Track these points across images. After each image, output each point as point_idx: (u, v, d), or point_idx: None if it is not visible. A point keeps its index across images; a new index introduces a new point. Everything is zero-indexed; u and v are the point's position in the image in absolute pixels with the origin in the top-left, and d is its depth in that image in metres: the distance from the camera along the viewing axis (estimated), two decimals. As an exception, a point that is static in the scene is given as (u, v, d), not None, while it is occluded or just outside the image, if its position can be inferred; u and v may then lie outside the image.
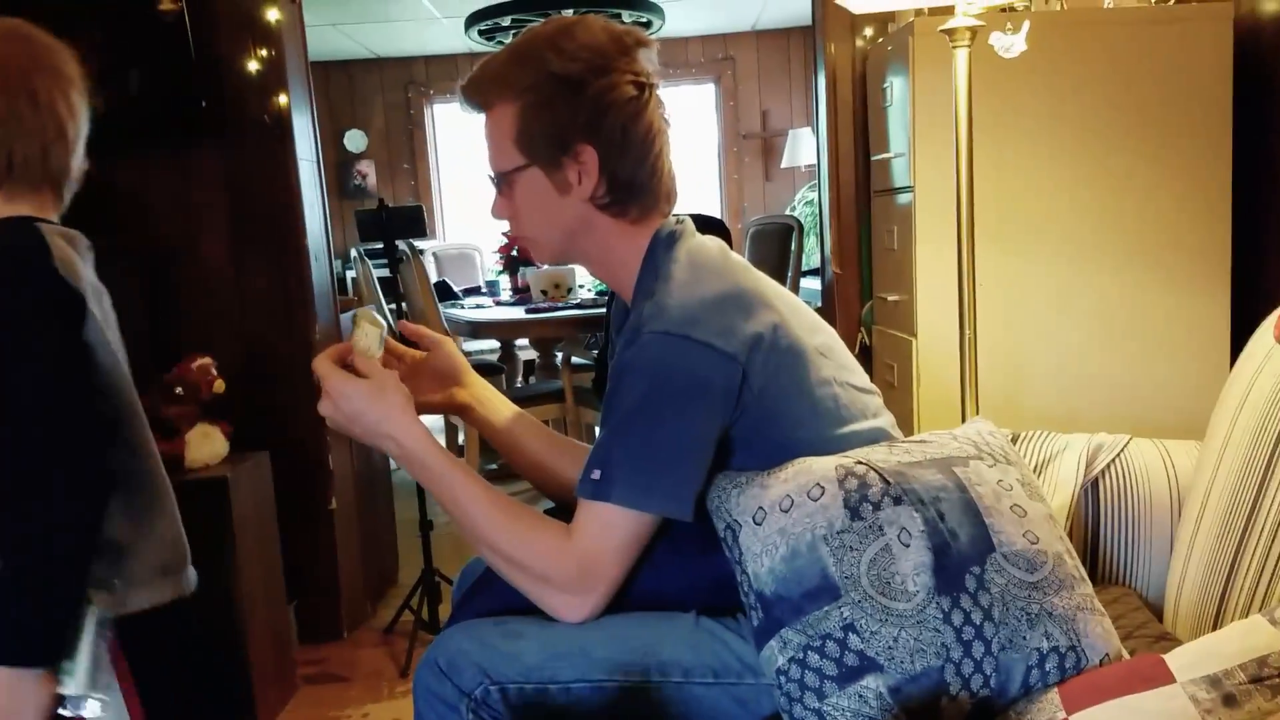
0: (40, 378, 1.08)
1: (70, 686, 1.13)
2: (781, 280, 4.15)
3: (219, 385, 2.32)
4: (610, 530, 1.15)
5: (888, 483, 1.10)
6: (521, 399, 3.94)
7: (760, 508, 1.12)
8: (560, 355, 4.34)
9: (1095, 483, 1.47)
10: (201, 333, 2.56)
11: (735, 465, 1.20)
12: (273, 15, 2.49)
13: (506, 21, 5.32)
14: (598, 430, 1.26)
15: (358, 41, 6.59)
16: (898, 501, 1.08)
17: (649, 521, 1.16)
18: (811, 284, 4.37)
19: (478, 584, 1.44)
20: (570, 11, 5.28)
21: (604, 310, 3.83)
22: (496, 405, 1.52)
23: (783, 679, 1.06)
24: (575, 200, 1.24)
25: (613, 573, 1.16)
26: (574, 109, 1.19)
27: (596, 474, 1.14)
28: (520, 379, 4.95)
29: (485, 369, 4.67)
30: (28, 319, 1.08)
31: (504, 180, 1.26)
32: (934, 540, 1.06)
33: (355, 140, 7.20)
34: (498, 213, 1.30)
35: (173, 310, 2.58)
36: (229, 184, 2.59)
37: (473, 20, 5.36)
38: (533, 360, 4.83)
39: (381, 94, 7.23)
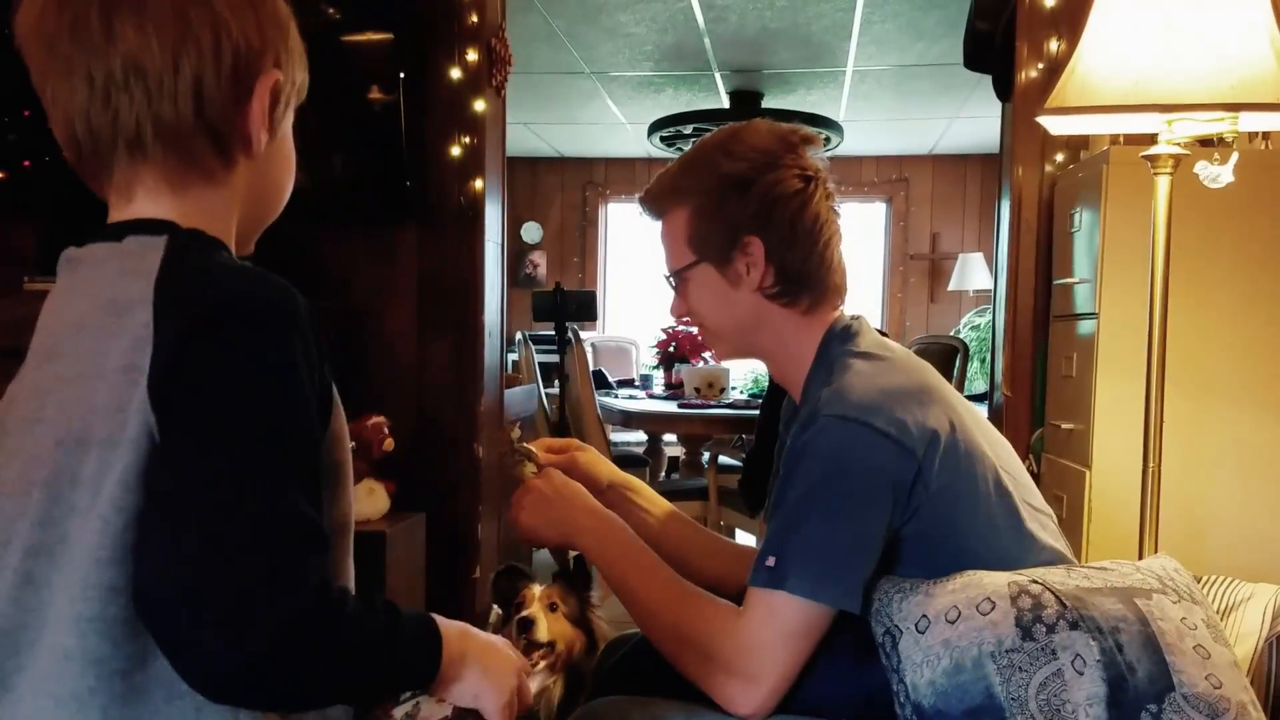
0: None
1: None
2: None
3: (389, 444, 2.42)
4: (780, 618, 1.12)
5: (1064, 605, 1.05)
6: (664, 494, 3.93)
7: (924, 616, 1.09)
8: (707, 454, 4.34)
9: (1284, 639, 1.36)
10: (380, 394, 2.70)
11: (900, 571, 1.17)
12: (480, 106, 2.67)
13: (688, 130, 5.53)
14: (762, 520, 1.27)
15: (545, 140, 6.96)
16: (1074, 626, 1.03)
17: (822, 614, 1.13)
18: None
19: (622, 661, 1.44)
20: (751, 123, 5.45)
21: (755, 412, 3.83)
22: (644, 502, 1.54)
23: None
24: (746, 292, 1.27)
25: (781, 664, 1.12)
26: (742, 205, 1.24)
27: (771, 561, 1.13)
28: (664, 474, 4.97)
29: (630, 460, 4.71)
30: None
31: (678, 278, 1.32)
32: (1110, 672, 1.01)
33: (531, 232, 7.54)
34: (675, 311, 1.37)
35: (357, 370, 2.74)
36: (421, 259, 2.75)
37: (656, 127, 5.60)
38: (677, 457, 4.84)
39: (561, 191, 7.58)
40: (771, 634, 1.12)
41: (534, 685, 1.38)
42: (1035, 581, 1.09)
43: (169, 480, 0.71)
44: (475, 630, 0.90)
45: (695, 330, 1.42)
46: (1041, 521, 1.25)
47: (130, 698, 0.73)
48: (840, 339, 1.27)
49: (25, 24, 0.79)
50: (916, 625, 1.09)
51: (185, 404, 0.72)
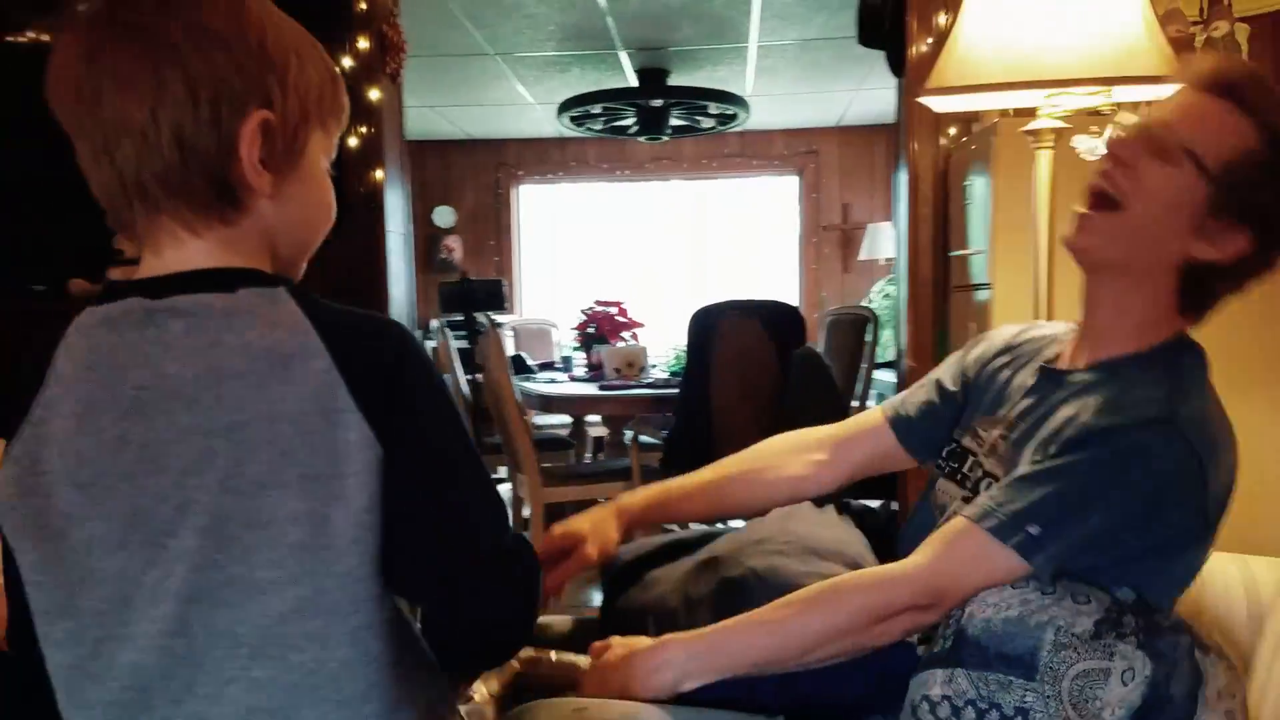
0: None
1: None
2: (855, 371, 4.13)
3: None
4: (983, 568, 1.09)
5: (1139, 628, 1.07)
6: (588, 475, 3.95)
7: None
8: (629, 434, 4.36)
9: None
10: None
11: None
12: (374, 95, 2.61)
13: (597, 109, 5.50)
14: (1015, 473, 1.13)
15: (453, 123, 6.85)
16: (1140, 647, 1.05)
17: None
18: (886, 376, 4.34)
19: (620, 575, 1.45)
20: (659, 102, 5.44)
21: (675, 391, 3.84)
22: (676, 497, 1.47)
23: (925, 706, 1.04)
24: (1180, 235, 1.14)
25: (959, 601, 1.09)
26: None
27: (1034, 529, 1.08)
28: (590, 455, 4.98)
29: (554, 443, 4.71)
30: None
31: (1167, 157, 1.13)
32: (1151, 693, 1.03)
33: (444, 216, 7.43)
34: (1126, 158, 1.17)
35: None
36: (321, 252, 2.68)
37: (565, 107, 5.55)
38: (601, 437, 4.85)
39: (472, 173, 7.48)
40: (965, 576, 1.09)
41: None
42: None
43: (434, 496, 0.87)
44: None
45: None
46: None
47: (399, 680, 0.88)
48: (1193, 354, 1.18)
49: (49, 88, 0.86)
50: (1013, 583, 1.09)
51: (418, 433, 0.86)
